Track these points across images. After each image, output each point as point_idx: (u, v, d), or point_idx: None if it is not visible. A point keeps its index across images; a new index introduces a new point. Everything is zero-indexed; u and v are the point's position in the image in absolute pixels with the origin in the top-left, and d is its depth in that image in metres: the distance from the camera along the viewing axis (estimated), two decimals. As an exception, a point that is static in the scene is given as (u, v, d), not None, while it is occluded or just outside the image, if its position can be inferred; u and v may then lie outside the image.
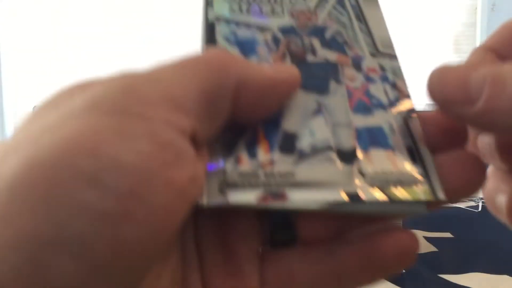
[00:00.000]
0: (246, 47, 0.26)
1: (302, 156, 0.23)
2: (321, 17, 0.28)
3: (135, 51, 2.48)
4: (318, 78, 0.25)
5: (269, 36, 0.26)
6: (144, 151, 0.17)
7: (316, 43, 0.27)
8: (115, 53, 2.58)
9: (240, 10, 0.27)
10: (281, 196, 0.21)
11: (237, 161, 0.22)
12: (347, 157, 0.23)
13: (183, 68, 0.21)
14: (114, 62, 2.51)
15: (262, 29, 0.27)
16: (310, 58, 0.26)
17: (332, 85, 0.25)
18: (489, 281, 0.49)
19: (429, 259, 0.55)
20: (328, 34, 0.27)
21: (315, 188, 0.22)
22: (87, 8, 2.58)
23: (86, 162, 0.17)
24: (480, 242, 0.62)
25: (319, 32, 0.27)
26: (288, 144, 0.23)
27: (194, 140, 0.19)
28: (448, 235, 0.64)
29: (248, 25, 0.27)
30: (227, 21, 0.27)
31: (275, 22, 0.27)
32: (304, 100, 0.24)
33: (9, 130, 2.58)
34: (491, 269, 0.52)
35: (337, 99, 0.25)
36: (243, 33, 0.27)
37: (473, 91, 0.21)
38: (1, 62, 2.39)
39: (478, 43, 2.67)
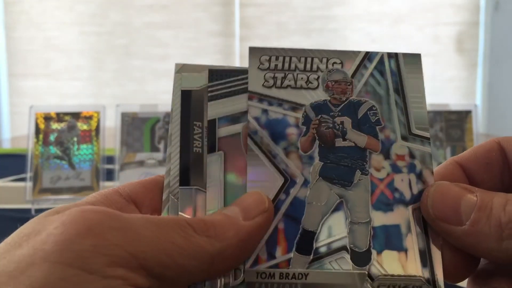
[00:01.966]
0: (276, 131, 0.26)
1: (317, 256, 0.24)
2: (358, 89, 0.27)
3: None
4: (344, 169, 0.25)
5: (300, 116, 0.26)
6: None
7: (347, 123, 0.26)
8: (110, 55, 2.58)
9: (275, 83, 0.27)
10: None
11: (257, 261, 0.24)
12: (361, 258, 0.24)
13: (157, 226, 0.21)
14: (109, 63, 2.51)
15: (294, 107, 0.26)
16: (339, 142, 0.26)
17: (357, 176, 0.25)
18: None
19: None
20: (361, 112, 0.27)
21: None
22: (88, 8, 2.58)
23: None
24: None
25: (352, 109, 0.27)
26: (306, 244, 0.24)
27: None
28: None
29: (280, 103, 0.26)
30: (260, 98, 0.26)
31: (309, 97, 0.27)
32: (326, 195, 0.25)
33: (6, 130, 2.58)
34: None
35: (360, 193, 0.25)
36: (274, 114, 0.26)
37: (463, 213, 0.23)
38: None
39: (481, 42, 2.66)
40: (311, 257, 0.24)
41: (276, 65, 0.27)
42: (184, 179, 0.25)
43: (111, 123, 0.88)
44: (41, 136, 0.84)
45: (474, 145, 0.76)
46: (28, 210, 0.79)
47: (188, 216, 0.25)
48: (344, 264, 0.24)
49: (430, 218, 0.25)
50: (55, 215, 0.21)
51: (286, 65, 0.27)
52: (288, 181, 0.25)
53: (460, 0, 2.66)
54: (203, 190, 0.25)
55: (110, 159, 0.87)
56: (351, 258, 0.24)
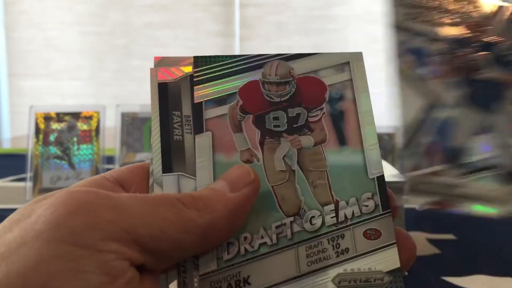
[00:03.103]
0: (420, 57, 0.27)
1: (470, 170, 0.25)
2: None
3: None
4: (484, 98, 0.26)
5: (442, 47, 0.27)
6: (95, 283, 0.18)
7: (485, 58, 0.27)
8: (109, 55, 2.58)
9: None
10: (450, 205, 0.24)
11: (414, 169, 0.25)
12: (510, 177, 0.25)
13: (147, 203, 0.22)
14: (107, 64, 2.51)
15: (435, 39, 0.28)
16: (479, 75, 0.27)
17: (497, 105, 0.26)
18: (493, 283, 0.49)
19: (432, 262, 0.54)
20: (498, 50, 0.28)
21: (480, 202, 0.24)
22: (86, 10, 2.58)
23: None
24: (484, 244, 0.61)
25: (490, 47, 0.28)
26: (456, 158, 0.25)
27: (146, 269, 0.21)
28: (451, 237, 0.64)
29: (420, 33, 0.28)
30: (405, 28, 0.28)
31: (450, 32, 0.28)
32: (470, 118, 0.26)
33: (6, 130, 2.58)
34: (494, 272, 0.51)
35: (500, 120, 0.26)
36: (416, 42, 0.27)
37: None
38: None
39: (481, 42, 2.66)
40: (464, 170, 0.26)
41: None
42: (167, 166, 0.26)
43: (111, 123, 0.88)
44: (41, 136, 0.84)
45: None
46: (28, 210, 0.78)
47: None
48: (497, 180, 0.26)
49: None
50: (43, 200, 0.21)
51: None
52: None
53: (460, 0, 2.67)
54: (186, 176, 0.26)
55: (110, 159, 0.87)
56: (502, 176, 0.27)
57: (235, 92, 0.28)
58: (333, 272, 0.25)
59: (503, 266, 0.53)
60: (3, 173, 1.06)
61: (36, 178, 0.82)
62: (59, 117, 0.85)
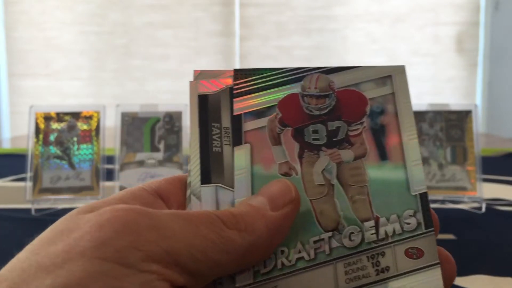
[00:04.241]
0: None
1: None
2: None
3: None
4: None
5: None
6: None
7: None
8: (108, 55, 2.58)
9: None
10: None
11: None
12: None
13: (188, 222, 0.22)
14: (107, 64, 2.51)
15: None
16: None
17: None
18: (493, 283, 0.49)
19: (431, 261, 0.54)
20: None
21: None
22: (84, 11, 2.58)
23: None
24: (483, 244, 0.61)
25: None
26: None
27: None
28: (451, 236, 0.64)
29: None
30: None
31: None
32: None
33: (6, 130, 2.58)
34: (494, 271, 0.51)
35: None
36: None
37: None
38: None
39: (481, 42, 2.66)
40: None
41: None
42: (206, 177, 0.26)
43: (111, 123, 0.88)
44: (41, 136, 0.84)
45: (474, 145, 0.76)
46: (28, 210, 0.79)
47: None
48: None
49: None
50: (87, 214, 0.21)
51: None
52: None
53: (460, 0, 2.66)
54: (224, 187, 0.26)
55: (110, 159, 0.87)
56: None
57: (275, 105, 0.27)
58: None
59: (503, 266, 0.53)
60: (3, 173, 1.06)
61: (36, 178, 0.82)
62: (59, 117, 0.85)
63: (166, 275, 0.20)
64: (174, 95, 2.60)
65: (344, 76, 0.28)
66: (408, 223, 0.25)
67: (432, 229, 0.25)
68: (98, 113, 0.86)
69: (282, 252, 0.25)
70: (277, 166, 0.26)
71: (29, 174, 0.82)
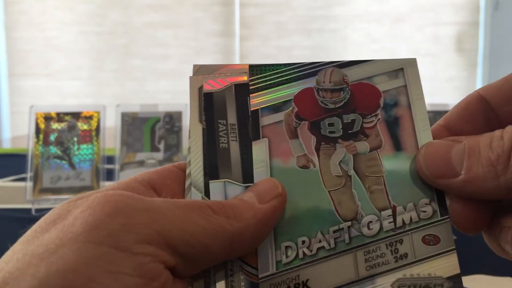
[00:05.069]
0: None
1: None
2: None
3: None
4: None
5: None
6: (132, 285, 0.19)
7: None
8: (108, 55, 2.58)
9: None
10: None
11: None
12: None
13: (178, 207, 0.22)
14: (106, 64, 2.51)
15: None
16: None
17: None
18: (493, 283, 0.49)
19: (431, 261, 0.54)
20: None
21: None
22: (84, 11, 2.58)
23: None
24: (484, 244, 0.61)
25: None
26: None
27: (176, 274, 0.21)
28: (451, 236, 0.64)
29: None
30: None
31: None
32: None
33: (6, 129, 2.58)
34: (494, 271, 0.51)
35: None
36: None
37: (455, 164, 0.24)
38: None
39: (481, 42, 2.66)
40: None
41: None
42: (213, 173, 0.26)
43: (111, 123, 0.88)
44: (41, 136, 0.84)
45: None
46: (28, 210, 0.79)
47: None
48: None
49: (428, 178, 0.25)
50: (78, 201, 0.21)
51: None
52: None
53: (460, 0, 2.66)
54: (232, 182, 0.26)
55: (110, 159, 0.87)
56: None
57: (290, 99, 0.28)
58: (392, 277, 0.25)
59: (503, 266, 0.53)
60: (3, 173, 1.06)
61: (36, 178, 0.82)
62: (59, 117, 0.85)
63: (160, 256, 0.20)
64: (174, 95, 2.60)
65: (357, 70, 0.28)
66: (424, 211, 0.26)
67: (447, 216, 0.26)
68: (98, 113, 0.86)
69: (303, 242, 0.25)
70: (295, 159, 0.27)
71: (29, 174, 0.82)
